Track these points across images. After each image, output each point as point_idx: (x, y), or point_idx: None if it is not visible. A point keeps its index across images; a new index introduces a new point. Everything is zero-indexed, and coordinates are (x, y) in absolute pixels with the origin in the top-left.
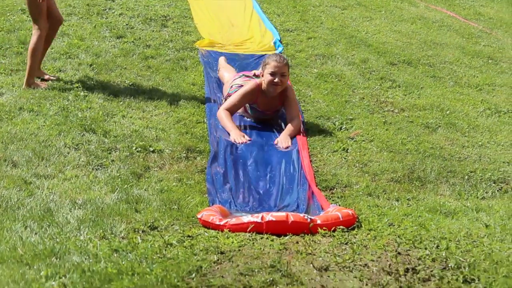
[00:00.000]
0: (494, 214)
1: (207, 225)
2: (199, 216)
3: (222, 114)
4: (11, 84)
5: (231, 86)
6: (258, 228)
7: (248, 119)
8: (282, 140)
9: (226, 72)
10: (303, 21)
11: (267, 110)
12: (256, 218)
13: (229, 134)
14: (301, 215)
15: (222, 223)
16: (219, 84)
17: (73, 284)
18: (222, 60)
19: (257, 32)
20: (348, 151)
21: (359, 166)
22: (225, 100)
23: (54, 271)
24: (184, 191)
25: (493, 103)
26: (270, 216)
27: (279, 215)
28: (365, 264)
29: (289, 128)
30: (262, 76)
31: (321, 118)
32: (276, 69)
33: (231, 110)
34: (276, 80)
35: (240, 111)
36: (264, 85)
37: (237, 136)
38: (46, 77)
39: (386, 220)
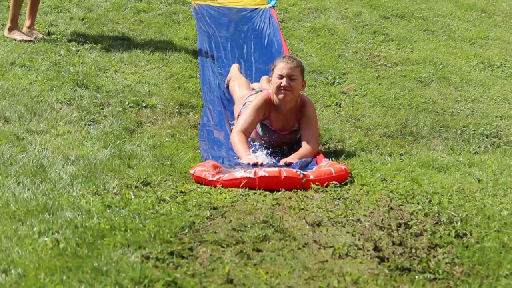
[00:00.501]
0: (487, 168)
1: (199, 180)
2: (191, 172)
3: (235, 138)
4: (3, 39)
5: (244, 104)
6: (251, 184)
7: (260, 146)
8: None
9: (239, 87)
10: None
11: (282, 129)
12: (249, 173)
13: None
14: (294, 170)
15: (215, 178)
16: (211, 39)
17: (66, 240)
18: (235, 68)
19: None
20: (341, 106)
21: (352, 121)
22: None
23: (47, 227)
24: (176, 146)
25: (486, 57)
26: (263, 172)
27: (272, 170)
28: (358, 219)
29: (302, 150)
30: (272, 84)
31: (314, 73)
32: (283, 71)
33: (246, 131)
34: (283, 83)
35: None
36: (274, 96)
37: (248, 161)
38: (39, 36)
39: (378, 175)
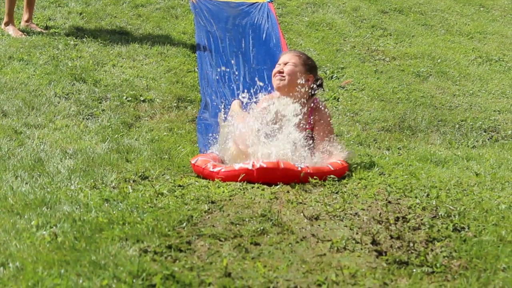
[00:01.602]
0: (485, 162)
1: (199, 171)
2: (193, 162)
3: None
4: (0, 33)
5: None
6: (249, 176)
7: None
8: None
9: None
10: None
11: None
12: (247, 164)
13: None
14: (292, 163)
15: (216, 170)
16: (209, 33)
17: (64, 234)
18: (236, 105)
19: None
20: (339, 100)
21: (350, 115)
22: None
23: (45, 221)
24: (175, 140)
25: (484, 51)
26: (261, 163)
27: (270, 161)
28: (356, 213)
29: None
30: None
31: None
32: (280, 59)
33: None
34: (277, 68)
35: None
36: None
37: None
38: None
39: (376, 169)
